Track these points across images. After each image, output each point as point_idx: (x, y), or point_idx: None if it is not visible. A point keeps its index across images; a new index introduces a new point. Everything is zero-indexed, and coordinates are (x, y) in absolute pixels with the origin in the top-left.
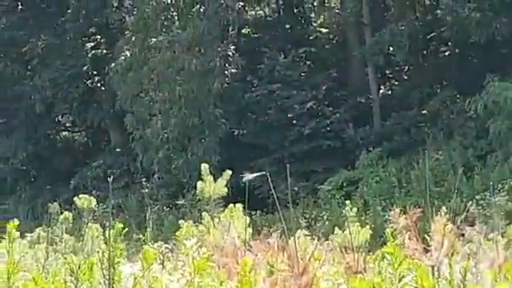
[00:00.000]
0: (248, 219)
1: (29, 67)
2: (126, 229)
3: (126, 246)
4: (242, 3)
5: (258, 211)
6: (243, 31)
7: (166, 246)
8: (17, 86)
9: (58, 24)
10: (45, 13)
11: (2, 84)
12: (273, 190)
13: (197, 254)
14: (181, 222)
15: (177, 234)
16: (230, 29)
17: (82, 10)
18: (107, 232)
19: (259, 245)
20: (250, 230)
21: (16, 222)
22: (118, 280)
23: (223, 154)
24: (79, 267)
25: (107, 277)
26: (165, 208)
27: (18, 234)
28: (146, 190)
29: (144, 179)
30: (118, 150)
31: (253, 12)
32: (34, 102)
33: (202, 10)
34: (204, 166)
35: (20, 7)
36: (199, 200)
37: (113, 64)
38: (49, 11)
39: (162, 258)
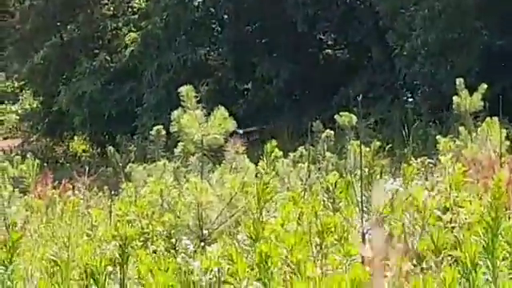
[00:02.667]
0: (506, 132)
1: None
2: (390, 145)
3: (389, 161)
4: None
5: None
6: None
7: (430, 161)
8: (276, 5)
9: None
10: None
11: (261, 3)
12: None
13: (452, 169)
14: (438, 137)
15: (437, 148)
16: None
17: None
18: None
19: None
20: (507, 143)
21: (274, 142)
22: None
23: (484, 66)
24: (335, 186)
25: (364, 194)
26: (429, 122)
27: (281, 153)
28: (410, 105)
29: (407, 94)
30: (380, 66)
31: None
32: (296, 20)
33: None
34: (459, 80)
35: None
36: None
37: None
38: None
39: (425, 172)
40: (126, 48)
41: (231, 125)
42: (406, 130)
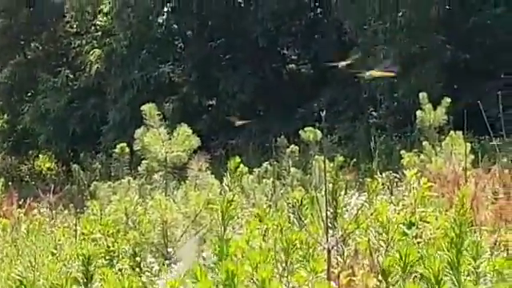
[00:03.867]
0: (471, 146)
1: (251, 1)
2: (354, 159)
3: (354, 176)
4: None
5: (487, 137)
6: None
7: (395, 175)
8: (239, 21)
9: None
10: None
11: (225, 19)
12: (484, 115)
13: (417, 183)
14: (402, 152)
15: (402, 163)
16: None
17: None
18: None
19: (480, 173)
20: (472, 157)
21: (238, 159)
22: (340, 213)
23: (447, 79)
24: (301, 202)
25: (329, 210)
26: (393, 137)
27: (246, 169)
28: (374, 120)
29: (371, 109)
30: (344, 81)
31: None
32: (257, 35)
33: None
34: (422, 95)
35: None
36: (419, 129)
37: None
38: None
39: (390, 187)
40: (90, 65)
41: (195, 142)
42: (371, 145)
